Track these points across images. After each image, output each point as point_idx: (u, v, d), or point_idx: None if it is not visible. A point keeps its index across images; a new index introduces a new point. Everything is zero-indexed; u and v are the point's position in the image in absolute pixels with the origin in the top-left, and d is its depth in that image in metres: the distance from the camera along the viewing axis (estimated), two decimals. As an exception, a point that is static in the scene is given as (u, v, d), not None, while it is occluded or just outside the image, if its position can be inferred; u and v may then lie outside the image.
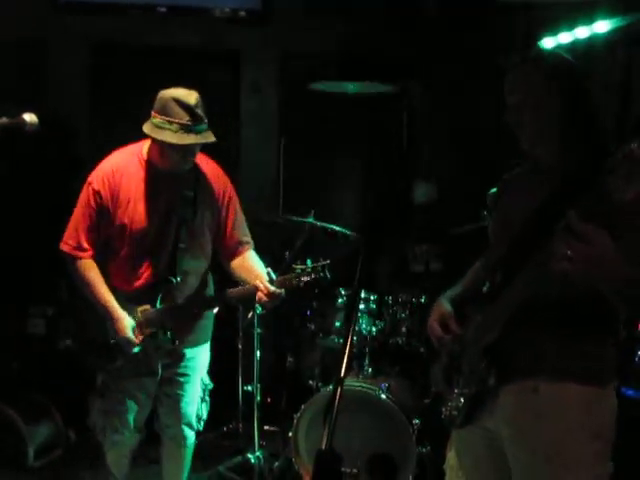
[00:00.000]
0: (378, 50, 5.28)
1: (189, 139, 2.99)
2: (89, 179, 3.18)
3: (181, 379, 3.34)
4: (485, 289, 2.26)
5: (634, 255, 1.89)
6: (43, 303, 4.67)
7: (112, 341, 3.17)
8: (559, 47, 4.35)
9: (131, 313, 3.17)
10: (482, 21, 4.90)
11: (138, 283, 3.20)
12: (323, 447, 1.57)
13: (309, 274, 3.03)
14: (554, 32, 4.29)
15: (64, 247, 3.21)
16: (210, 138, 3.05)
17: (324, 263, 3.04)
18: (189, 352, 3.33)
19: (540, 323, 2.13)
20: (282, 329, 5.36)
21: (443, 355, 2.39)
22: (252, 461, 4.17)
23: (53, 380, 4.53)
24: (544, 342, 2.14)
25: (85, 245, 3.19)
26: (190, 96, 3.02)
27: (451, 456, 2.43)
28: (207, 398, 3.47)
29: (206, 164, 3.26)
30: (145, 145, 3.19)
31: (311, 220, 4.16)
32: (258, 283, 3.05)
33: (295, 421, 3.85)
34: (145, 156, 3.17)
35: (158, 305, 3.18)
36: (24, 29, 5.18)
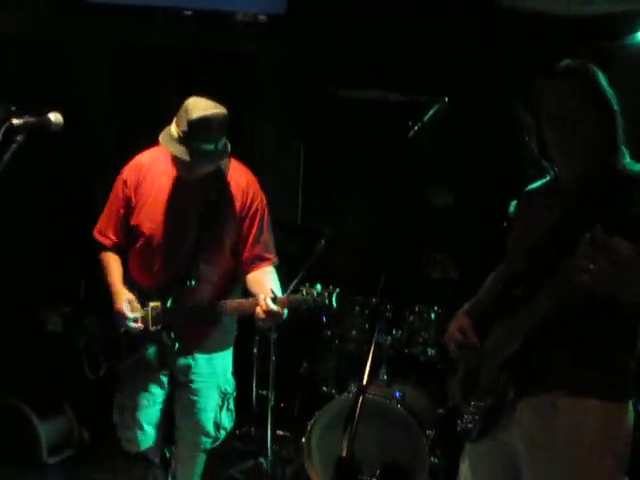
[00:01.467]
0: (401, 59, 5.28)
1: (176, 150, 2.97)
2: (123, 169, 3.26)
3: (194, 385, 3.29)
4: (505, 302, 2.25)
5: None
6: (61, 301, 4.69)
7: (122, 330, 3.17)
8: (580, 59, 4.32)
9: (144, 307, 3.16)
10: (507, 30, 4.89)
11: (153, 280, 3.19)
12: (344, 454, 1.56)
13: (314, 300, 2.94)
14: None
15: (94, 233, 3.31)
16: (199, 168, 3.03)
17: (333, 291, 2.95)
18: (202, 358, 3.27)
19: (561, 338, 2.13)
20: (298, 334, 5.37)
21: (461, 368, 2.38)
22: (264, 465, 4.18)
23: (69, 379, 4.55)
24: (564, 357, 2.14)
25: (109, 233, 3.26)
26: (213, 112, 2.96)
27: (465, 468, 2.43)
28: (231, 407, 3.41)
29: (237, 172, 3.22)
30: None
31: (330, 227, 4.16)
32: (260, 299, 2.96)
33: (308, 427, 3.85)
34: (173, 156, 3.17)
35: (169, 305, 3.15)
36: (48, 30, 5.21)
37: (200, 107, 2.95)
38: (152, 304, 3.15)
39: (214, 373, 3.32)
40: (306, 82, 5.63)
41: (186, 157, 2.95)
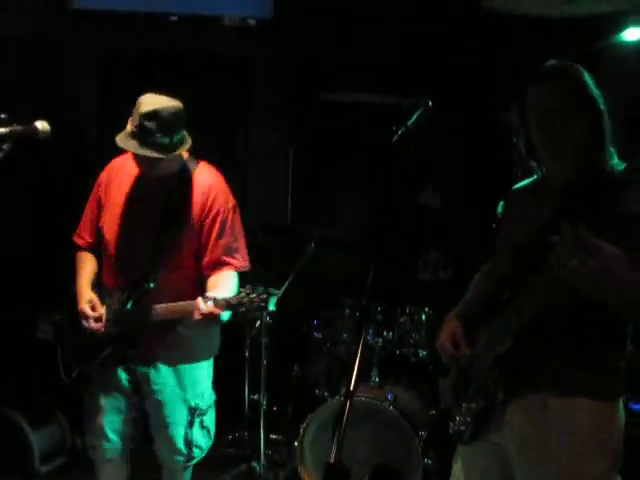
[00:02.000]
0: (392, 61, 5.30)
1: (128, 145, 2.96)
2: None
3: (158, 397, 3.18)
4: (494, 303, 2.26)
5: None
6: (52, 309, 4.67)
7: (87, 331, 3.13)
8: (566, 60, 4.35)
9: (108, 309, 3.12)
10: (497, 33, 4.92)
11: (114, 281, 3.16)
12: (332, 460, 1.57)
13: (251, 302, 2.85)
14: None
15: (73, 235, 3.33)
16: (150, 153, 2.94)
17: (271, 293, 2.88)
18: (165, 369, 3.16)
19: (549, 337, 2.14)
20: (289, 338, 5.37)
21: (452, 370, 2.38)
22: (257, 470, 4.17)
23: (61, 386, 4.54)
24: (554, 356, 2.14)
25: (84, 233, 3.28)
26: (154, 104, 2.95)
27: (457, 469, 2.43)
28: (206, 424, 3.28)
29: (202, 174, 3.16)
30: None
31: (320, 229, 4.16)
32: (198, 301, 2.89)
33: (301, 430, 3.85)
34: None
35: (129, 307, 3.08)
36: (35, 35, 5.20)
37: (151, 101, 2.96)
38: (113, 306, 3.11)
39: (179, 386, 3.18)
40: (294, 85, 5.64)
41: (137, 150, 2.94)
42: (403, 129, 1.97)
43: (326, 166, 5.77)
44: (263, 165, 5.58)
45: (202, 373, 3.27)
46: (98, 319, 3.11)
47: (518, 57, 4.62)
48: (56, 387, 4.44)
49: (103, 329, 3.11)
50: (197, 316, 2.90)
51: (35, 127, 2.50)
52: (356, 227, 5.20)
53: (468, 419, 2.29)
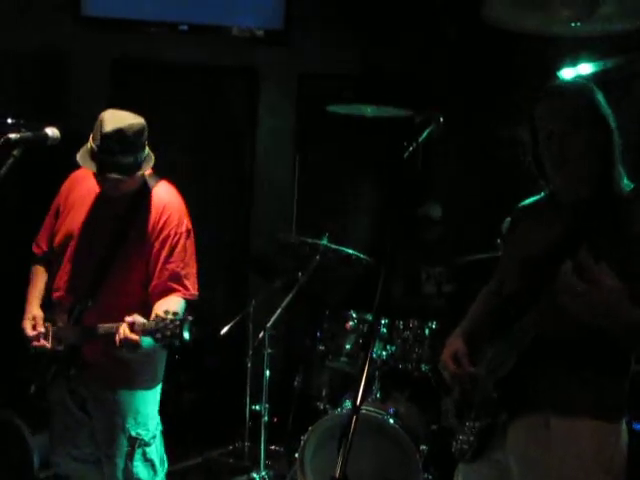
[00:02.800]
0: (397, 74, 5.32)
1: (88, 164, 2.81)
2: None
3: (94, 422, 2.98)
4: (498, 320, 2.26)
5: None
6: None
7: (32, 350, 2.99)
8: (579, 77, 4.37)
9: (52, 324, 2.98)
10: (500, 49, 4.93)
11: (58, 294, 3.00)
12: (337, 475, 1.56)
13: (166, 327, 2.64)
14: (574, 63, 4.30)
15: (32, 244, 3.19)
16: (112, 175, 2.78)
17: (186, 319, 2.65)
18: (103, 394, 2.96)
19: (553, 357, 2.13)
20: (291, 350, 5.37)
21: (456, 388, 2.37)
22: (257, 481, 4.16)
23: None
24: (557, 376, 2.14)
25: (40, 241, 3.14)
26: (118, 122, 2.79)
27: (458, 486, 2.42)
28: (149, 456, 3.01)
29: (160, 194, 2.99)
30: None
31: (325, 242, 4.16)
32: (120, 325, 2.71)
33: (302, 442, 3.84)
34: None
35: (72, 323, 2.92)
36: (46, 43, 5.24)
37: (114, 119, 2.80)
38: (58, 322, 2.96)
39: (118, 413, 2.96)
40: (303, 97, 5.66)
41: (98, 172, 2.81)
42: (414, 145, 1.97)
43: (332, 179, 5.79)
44: (269, 177, 5.59)
45: (144, 401, 3.03)
46: (40, 337, 2.94)
47: (521, 72, 4.66)
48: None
49: (49, 346, 2.94)
50: (117, 340, 2.70)
51: (45, 133, 2.52)
52: (361, 241, 5.20)
53: (471, 438, 2.28)
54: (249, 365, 4.32)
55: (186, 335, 2.63)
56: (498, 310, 2.30)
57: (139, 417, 2.99)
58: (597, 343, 2.08)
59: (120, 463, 2.95)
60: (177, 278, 2.91)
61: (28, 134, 2.48)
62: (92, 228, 2.97)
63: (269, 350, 4.18)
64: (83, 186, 3.04)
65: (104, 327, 2.81)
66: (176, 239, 2.93)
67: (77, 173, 3.09)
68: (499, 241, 3.51)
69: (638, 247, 1.95)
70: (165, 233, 2.92)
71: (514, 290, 2.24)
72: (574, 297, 1.88)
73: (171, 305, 2.81)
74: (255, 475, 4.19)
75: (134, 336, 2.66)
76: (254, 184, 5.46)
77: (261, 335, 4.17)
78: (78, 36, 5.29)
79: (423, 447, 3.76)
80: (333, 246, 4.17)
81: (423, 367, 4.13)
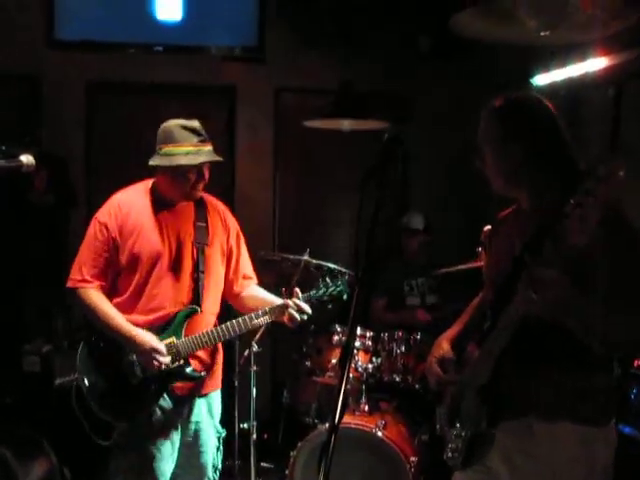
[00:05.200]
0: (371, 86, 5.35)
1: (201, 158, 3.02)
2: (96, 215, 3.13)
3: (195, 426, 3.14)
4: (479, 332, 2.28)
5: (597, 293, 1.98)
6: (39, 341, 4.65)
7: (136, 379, 2.99)
8: (551, 84, 4.43)
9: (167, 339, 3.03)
10: (471, 59, 4.98)
11: (158, 314, 3.04)
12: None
13: (335, 287, 3.13)
14: (547, 68, 4.36)
15: (69, 283, 3.09)
16: (218, 157, 3.09)
17: (343, 277, 3.19)
18: (200, 400, 3.16)
19: (527, 363, 2.15)
20: (278, 366, 5.35)
21: (447, 397, 2.38)
22: (248, 498, 4.14)
23: (48, 418, 4.50)
24: (537, 381, 2.15)
25: (88, 277, 3.05)
26: (192, 122, 3.09)
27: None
28: (221, 447, 3.30)
29: (210, 198, 3.26)
30: (150, 182, 3.18)
31: (306, 257, 4.17)
32: (287, 300, 3.07)
33: (292, 458, 3.83)
34: (151, 191, 3.15)
35: (182, 337, 3.03)
36: (20, 65, 5.23)
37: (181, 120, 3.09)
38: (164, 342, 3.00)
39: (212, 412, 3.22)
40: (280, 112, 5.68)
41: (212, 157, 3.06)
42: (381, 163, 1.97)
43: (312, 193, 5.80)
44: (248, 194, 5.60)
45: (220, 397, 3.32)
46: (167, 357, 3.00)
47: (502, 80, 4.70)
48: (43, 419, 4.43)
49: (172, 365, 3.01)
50: (294, 314, 3.04)
51: (20, 161, 2.50)
52: (343, 254, 5.21)
53: (459, 445, 2.29)
54: (236, 383, 4.31)
55: (344, 288, 3.14)
56: (481, 320, 2.32)
57: (220, 412, 3.29)
58: (571, 348, 2.10)
59: (210, 456, 3.21)
60: (250, 268, 3.35)
61: (2, 162, 2.46)
62: (174, 241, 3.09)
63: (255, 368, 4.17)
64: (138, 212, 3.09)
65: (252, 322, 3.06)
66: (241, 235, 3.30)
67: (117, 204, 3.10)
68: (479, 249, 3.53)
69: (580, 259, 1.98)
70: (235, 232, 3.27)
71: (490, 298, 2.27)
72: (531, 304, 1.98)
73: (264, 291, 3.29)
74: (246, 493, 4.17)
75: (307, 306, 3.06)
76: (234, 201, 5.47)
77: (246, 353, 4.17)
78: (52, 59, 5.28)
79: (413, 458, 3.75)
80: (314, 261, 4.18)
81: (410, 378, 4.14)
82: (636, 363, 3.44)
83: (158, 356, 2.96)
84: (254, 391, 4.16)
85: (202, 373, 3.09)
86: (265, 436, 4.78)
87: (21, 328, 4.75)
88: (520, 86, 4.45)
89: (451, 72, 5.29)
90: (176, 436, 3.10)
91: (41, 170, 3.34)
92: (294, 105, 5.69)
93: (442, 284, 4.91)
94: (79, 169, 5.33)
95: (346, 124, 5.03)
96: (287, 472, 3.86)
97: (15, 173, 2.46)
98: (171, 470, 3.11)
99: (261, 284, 3.37)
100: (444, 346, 2.44)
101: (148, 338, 2.97)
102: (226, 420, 4.14)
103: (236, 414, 4.34)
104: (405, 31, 5.29)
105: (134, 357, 3.00)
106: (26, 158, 2.53)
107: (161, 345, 2.98)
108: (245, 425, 4.26)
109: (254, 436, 4.16)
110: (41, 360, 4.61)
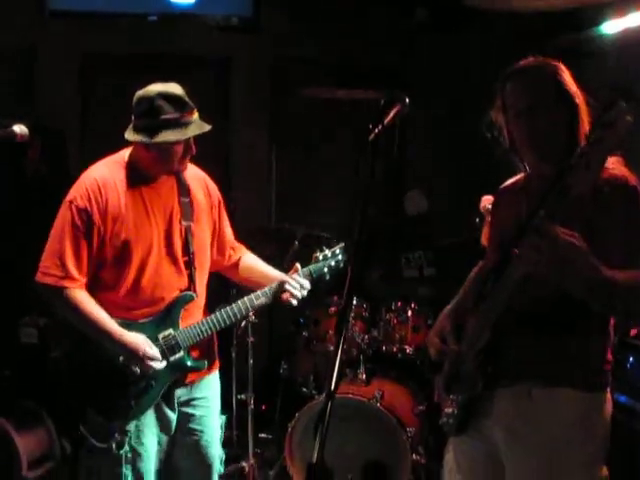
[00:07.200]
0: (367, 57, 5.31)
1: (189, 132, 2.69)
2: (68, 198, 2.73)
3: (199, 412, 2.92)
4: (479, 299, 2.27)
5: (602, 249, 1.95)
6: (36, 313, 4.65)
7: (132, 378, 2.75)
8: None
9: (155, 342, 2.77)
10: (469, 28, 4.93)
11: (159, 306, 2.80)
12: (314, 461, 1.57)
13: (334, 257, 3.09)
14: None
15: (47, 279, 2.69)
16: (207, 127, 2.74)
17: (339, 246, 3.14)
18: (205, 379, 2.96)
19: (531, 327, 2.15)
20: (276, 337, 5.36)
21: (445, 364, 2.39)
22: (247, 469, 4.16)
23: (46, 390, 4.51)
24: (536, 346, 2.16)
25: (74, 274, 2.68)
26: (174, 88, 2.73)
27: (449, 458, 2.44)
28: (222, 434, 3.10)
29: (190, 168, 2.92)
30: (124, 154, 2.84)
31: (303, 228, 4.16)
32: (285, 277, 2.93)
33: (289, 429, 3.85)
34: (128, 165, 2.80)
35: (180, 327, 2.81)
36: (13, 37, 5.17)
37: (160, 87, 2.72)
38: (161, 335, 2.77)
39: (215, 395, 3.03)
40: (277, 83, 5.64)
41: (189, 133, 2.70)
42: (379, 127, 1.97)
43: (309, 163, 5.77)
44: (245, 165, 5.58)
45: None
46: (158, 357, 2.75)
47: (496, 51, 4.66)
48: (42, 390, 4.45)
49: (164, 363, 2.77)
50: (295, 291, 2.92)
51: (12, 131, 2.48)
52: (341, 225, 5.20)
53: (455, 411, 2.31)
54: (234, 355, 4.31)
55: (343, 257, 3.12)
56: (481, 285, 2.32)
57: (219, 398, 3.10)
58: (567, 309, 2.10)
59: (216, 445, 3.02)
60: (233, 237, 3.13)
61: (-5, 132, 2.44)
62: (161, 224, 2.79)
63: (252, 339, 4.17)
64: (119, 192, 2.74)
65: (254, 302, 2.90)
66: (222, 201, 3.05)
67: (95, 185, 2.73)
68: (477, 220, 3.52)
69: (583, 210, 1.96)
70: (218, 200, 3.01)
71: (491, 267, 2.27)
72: (536, 263, 1.91)
73: (260, 263, 3.12)
74: (245, 464, 4.19)
75: (307, 282, 2.96)
76: (230, 173, 5.45)
77: (244, 324, 4.17)
78: (45, 30, 5.22)
79: (410, 429, 3.76)
80: (313, 231, 4.17)
81: (407, 349, 4.15)
82: (632, 332, 3.45)
83: (152, 363, 2.72)
84: (251, 362, 4.17)
85: (205, 362, 2.88)
86: (263, 407, 4.80)
87: (19, 300, 4.74)
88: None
89: (451, 43, 5.24)
90: (169, 427, 2.88)
91: (35, 140, 3.27)
92: (290, 74, 5.64)
93: (441, 257, 4.91)
94: (75, 140, 5.31)
95: (343, 93, 4.99)
96: (285, 443, 3.88)
97: (9, 143, 2.45)
98: (155, 468, 2.89)
99: (260, 256, 3.30)
100: (444, 320, 2.45)
101: (141, 341, 2.72)
102: (224, 391, 4.16)
103: (234, 385, 4.36)
104: (403, 1, 5.24)
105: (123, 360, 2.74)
106: (19, 128, 2.50)
107: (154, 350, 2.73)
108: (243, 396, 4.27)
109: (251, 407, 4.17)
110: (39, 332, 4.61)
